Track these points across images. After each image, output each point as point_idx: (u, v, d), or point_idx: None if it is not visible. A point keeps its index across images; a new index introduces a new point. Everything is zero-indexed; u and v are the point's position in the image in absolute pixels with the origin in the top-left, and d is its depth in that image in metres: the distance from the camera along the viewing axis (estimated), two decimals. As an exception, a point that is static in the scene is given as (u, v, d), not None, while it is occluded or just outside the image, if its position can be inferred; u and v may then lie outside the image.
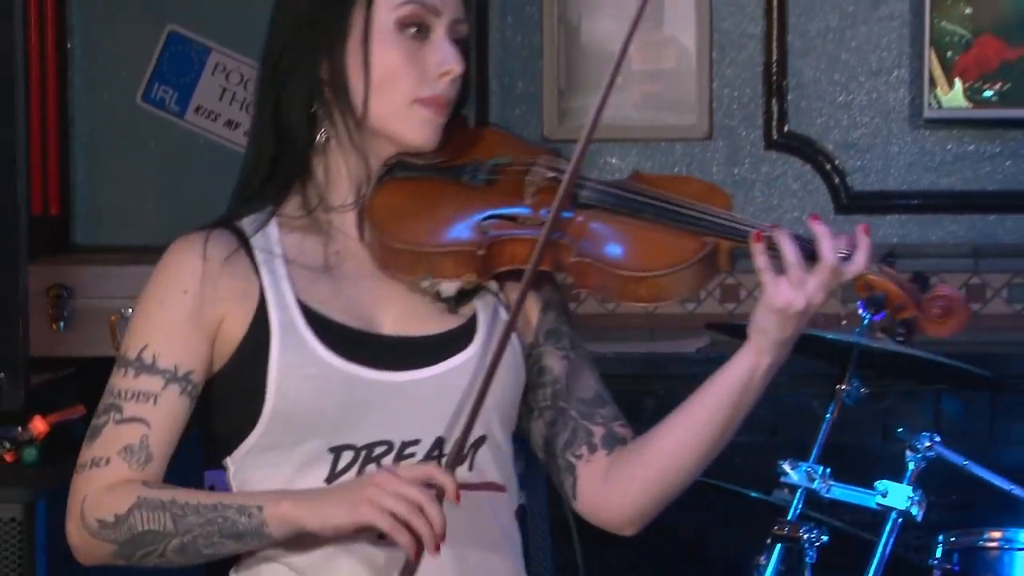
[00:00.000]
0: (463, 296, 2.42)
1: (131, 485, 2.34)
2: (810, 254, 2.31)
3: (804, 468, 4.08)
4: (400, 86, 2.39)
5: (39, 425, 3.90)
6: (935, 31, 5.69)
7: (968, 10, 5.68)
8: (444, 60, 2.39)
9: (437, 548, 2.23)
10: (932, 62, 5.69)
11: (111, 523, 2.32)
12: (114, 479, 2.35)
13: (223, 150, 5.92)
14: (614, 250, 2.37)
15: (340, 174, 2.44)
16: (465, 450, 2.36)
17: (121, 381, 2.37)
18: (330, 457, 2.35)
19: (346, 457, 2.35)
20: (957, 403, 5.40)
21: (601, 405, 2.49)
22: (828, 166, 5.82)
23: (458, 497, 2.27)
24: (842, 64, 5.84)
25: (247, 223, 2.45)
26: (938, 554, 4.23)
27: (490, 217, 2.39)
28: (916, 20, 5.75)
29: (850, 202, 5.81)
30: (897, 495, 4.04)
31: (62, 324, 5.50)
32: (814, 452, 4.15)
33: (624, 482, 2.44)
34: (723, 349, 5.13)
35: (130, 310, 5.67)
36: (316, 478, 2.35)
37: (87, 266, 5.66)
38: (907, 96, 5.80)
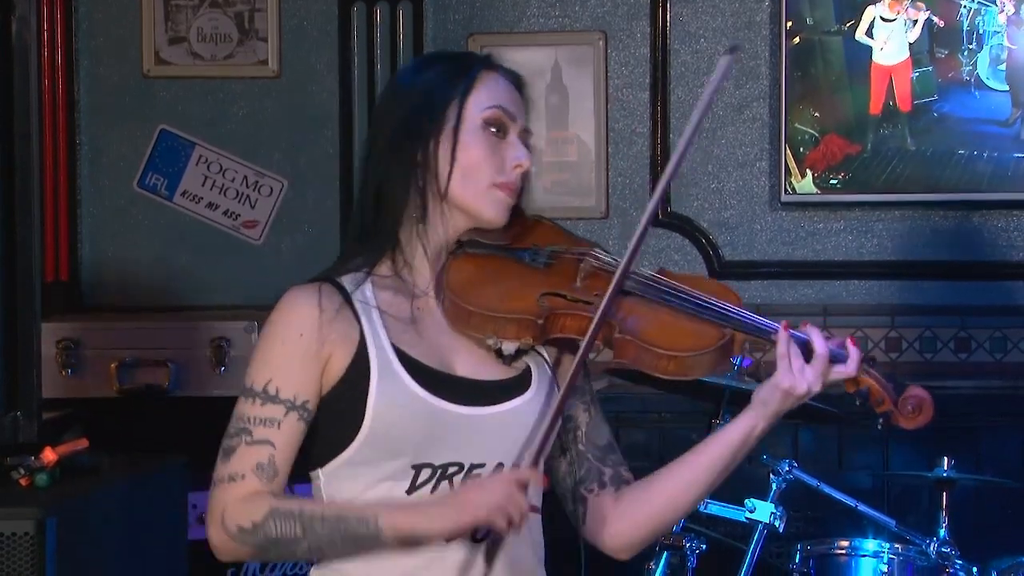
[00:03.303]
0: (518, 353, 2.45)
1: (263, 497, 2.35)
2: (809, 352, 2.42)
3: (686, 488, 4.04)
4: (483, 172, 2.44)
5: (49, 455, 3.83)
6: (790, 131, 5.70)
7: (816, 113, 5.70)
8: (518, 156, 2.46)
9: (521, 525, 2.31)
10: (787, 156, 5.70)
11: (249, 529, 2.33)
12: (248, 491, 2.35)
13: (205, 227, 5.88)
14: (651, 331, 2.40)
15: (421, 242, 2.47)
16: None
17: (250, 409, 2.38)
18: (412, 473, 2.37)
19: (425, 473, 2.38)
20: (811, 435, 5.39)
21: (612, 451, 2.55)
22: (703, 240, 5.82)
23: (547, 481, 2.41)
24: (714, 157, 5.84)
25: (347, 280, 2.44)
26: (797, 560, 4.22)
27: (548, 294, 2.42)
28: (774, 122, 5.76)
29: (721, 270, 5.81)
30: (763, 511, 4.03)
31: (70, 371, 5.42)
32: (694, 475, 4.12)
33: (627, 517, 2.51)
34: (619, 389, 5.10)
35: (128, 358, 5.64)
36: (399, 489, 2.37)
37: (91, 323, 5.59)
38: (767, 183, 5.81)
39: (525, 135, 2.48)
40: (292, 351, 2.38)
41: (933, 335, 5.73)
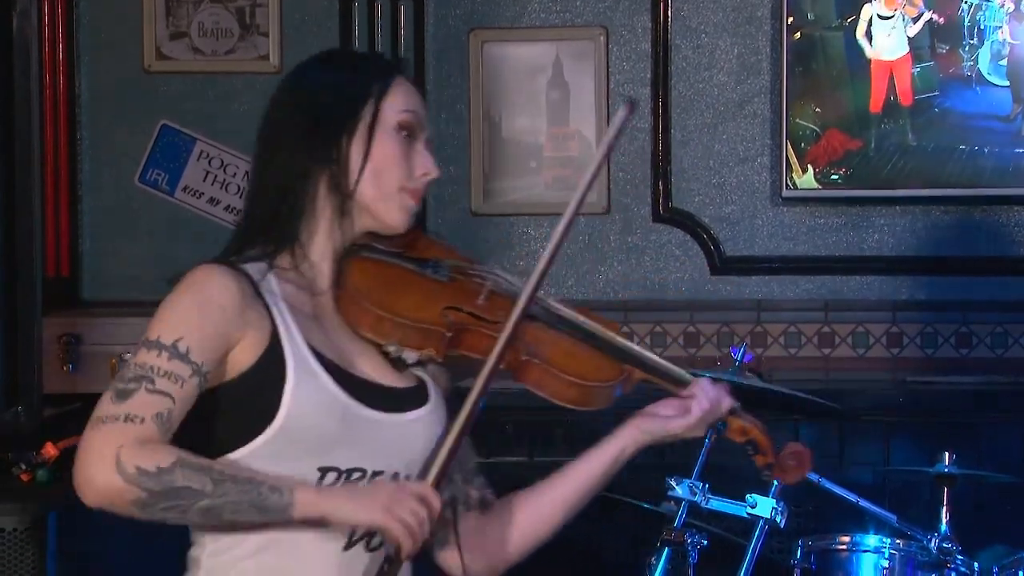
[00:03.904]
0: (415, 364, 2.43)
1: (167, 446, 2.23)
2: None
3: (687, 484, 4.05)
4: (393, 174, 2.41)
5: (50, 450, 3.84)
6: (791, 126, 5.70)
7: (817, 109, 5.70)
8: (427, 165, 2.44)
9: (419, 555, 2.28)
10: (788, 151, 5.70)
11: (151, 472, 2.19)
12: (147, 436, 2.22)
13: (206, 222, 5.88)
14: (557, 357, 2.38)
15: (322, 239, 2.42)
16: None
17: (154, 360, 2.26)
18: (317, 475, 2.32)
19: (330, 477, 2.32)
20: (812, 430, 5.38)
21: (478, 474, 2.55)
22: (705, 236, 5.81)
23: (442, 515, 2.31)
24: (715, 153, 5.83)
25: (251, 269, 2.38)
26: (798, 556, 4.20)
27: (451, 308, 2.37)
28: (775, 117, 5.76)
29: (723, 265, 5.80)
30: (764, 506, 4.02)
31: (71, 366, 5.43)
32: (695, 470, 4.12)
33: (494, 539, 2.52)
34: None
35: (128, 354, 5.64)
36: None
37: (92, 318, 5.60)
38: (768, 179, 5.80)
39: (430, 146, 2.47)
40: (210, 320, 2.29)
41: (934, 331, 5.72)
